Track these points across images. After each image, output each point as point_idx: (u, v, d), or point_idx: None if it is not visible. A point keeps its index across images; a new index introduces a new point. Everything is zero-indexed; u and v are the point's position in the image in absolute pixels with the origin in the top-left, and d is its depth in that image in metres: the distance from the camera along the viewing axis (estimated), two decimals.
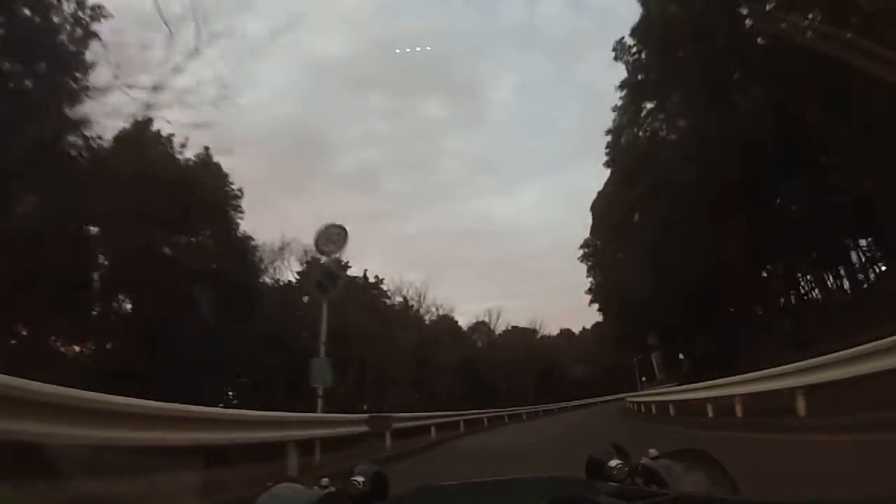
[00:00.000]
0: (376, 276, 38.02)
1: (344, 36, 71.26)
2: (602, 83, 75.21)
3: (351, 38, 69.76)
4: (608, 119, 28.69)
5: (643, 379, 64.53)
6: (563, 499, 0.94)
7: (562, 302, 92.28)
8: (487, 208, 79.82)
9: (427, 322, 42.66)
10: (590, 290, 45.52)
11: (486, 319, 52.10)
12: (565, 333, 66.68)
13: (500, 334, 52.87)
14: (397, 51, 64.99)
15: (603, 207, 32.77)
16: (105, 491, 4.16)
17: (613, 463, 1.09)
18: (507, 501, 1.19)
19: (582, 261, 43.90)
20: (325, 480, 1.14)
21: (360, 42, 67.19)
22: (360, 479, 1.11)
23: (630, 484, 1.05)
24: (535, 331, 55.96)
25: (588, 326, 67.05)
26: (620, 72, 25.52)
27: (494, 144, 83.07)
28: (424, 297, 43.34)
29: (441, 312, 44.80)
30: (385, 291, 38.53)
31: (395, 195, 68.25)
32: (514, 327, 54.45)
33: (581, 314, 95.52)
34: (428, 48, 67.05)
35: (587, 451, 1.15)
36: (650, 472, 1.06)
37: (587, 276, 44.93)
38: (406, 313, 40.65)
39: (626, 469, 1.08)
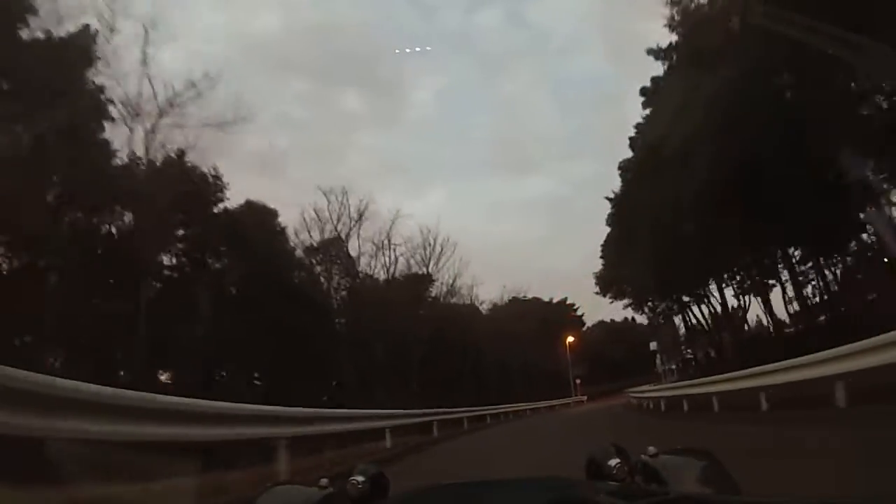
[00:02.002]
0: None
1: (270, 11, 65.51)
2: (523, 98, 76.19)
3: (278, 15, 64.84)
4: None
5: (577, 381, 45.26)
6: (563, 499, 1.02)
7: None
8: (392, 207, 65.87)
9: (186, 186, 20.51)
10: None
11: (342, 231, 30.92)
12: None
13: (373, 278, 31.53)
14: (324, 36, 60.47)
15: None
16: None
17: (613, 462, 1.08)
18: (507, 501, 1.15)
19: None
20: (324, 481, 1.13)
21: (286, 21, 61.18)
22: (360, 479, 1.10)
23: (630, 483, 1.05)
24: (428, 276, 35.21)
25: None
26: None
27: (408, 145, 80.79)
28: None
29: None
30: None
31: (297, 182, 65.42)
32: (395, 277, 33.25)
33: None
34: (357, 39, 62.20)
35: None
36: (650, 469, 1.07)
37: None
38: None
39: (626, 468, 1.08)
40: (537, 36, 79.08)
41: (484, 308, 44.15)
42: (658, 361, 41.99)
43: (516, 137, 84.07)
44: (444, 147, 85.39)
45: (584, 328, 65.73)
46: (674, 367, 40.63)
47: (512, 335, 42.38)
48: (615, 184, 31.14)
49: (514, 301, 46.38)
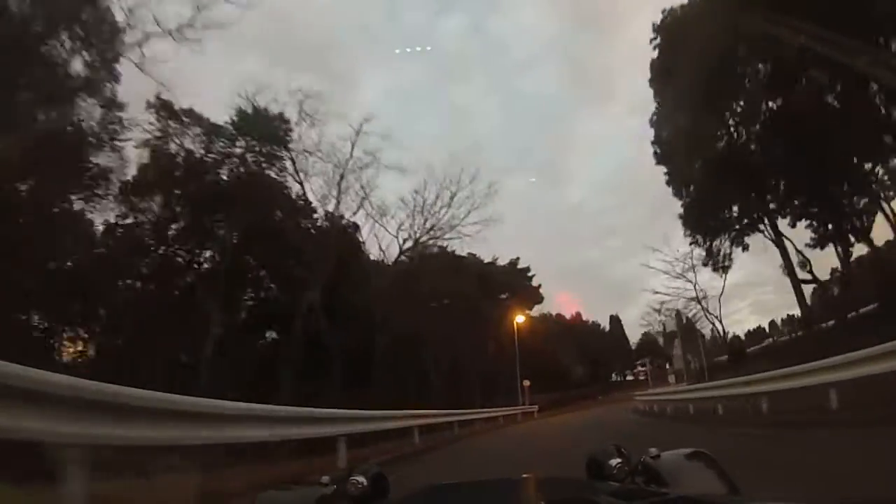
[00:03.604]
0: None
1: None
2: (473, 108, 75.89)
3: None
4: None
5: (526, 383, 36.07)
6: (563, 499, 1.01)
7: None
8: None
9: None
10: None
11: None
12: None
13: None
14: (278, 18, 52.46)
15: None
16: None
17: (614, 462, 1.07)
18: (508, 501, 1.13)
19: None
20: (325, 479, 1.11)
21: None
22: (361, 479, 1.07)
23: (630, 483, 1.04)
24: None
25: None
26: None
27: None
28: None
29: None
30: None
31: None
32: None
33: None
34: (313, 26, 54.97)
35: None
36: (650, 471, 1.03)
37: None
38: None
39: (627, 468, 1.06)
40: (495, 44, 79.13)
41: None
42: (677, 351, 28.92)
43: (463, 144, 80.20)
44: (385, 149, 74.49)
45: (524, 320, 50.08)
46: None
47: (434, 304, 25.96)
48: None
49: (443, 254, 29.87)
